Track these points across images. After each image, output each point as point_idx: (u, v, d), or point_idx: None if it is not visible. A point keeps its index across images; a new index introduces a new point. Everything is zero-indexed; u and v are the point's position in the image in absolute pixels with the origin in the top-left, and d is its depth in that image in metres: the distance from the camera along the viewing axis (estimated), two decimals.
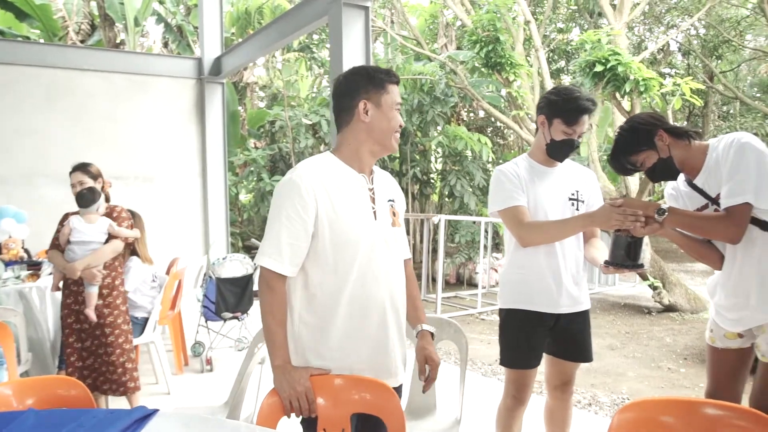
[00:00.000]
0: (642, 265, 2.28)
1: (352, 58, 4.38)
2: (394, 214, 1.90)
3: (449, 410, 2.65)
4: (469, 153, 11.00)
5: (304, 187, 1.72)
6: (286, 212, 1.72)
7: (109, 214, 3.48)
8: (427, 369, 1.90)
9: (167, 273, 4.92)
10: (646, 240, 2.23)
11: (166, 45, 12.92)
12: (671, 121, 2.40)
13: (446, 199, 11.66)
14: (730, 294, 2.20)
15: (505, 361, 2.53)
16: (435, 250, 8.84)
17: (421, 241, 10.91)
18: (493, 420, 2.62)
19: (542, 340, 2.48)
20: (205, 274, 5.30)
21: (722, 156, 2.09)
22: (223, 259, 5.25)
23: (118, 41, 11.89)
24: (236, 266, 5.23)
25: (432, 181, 12.04)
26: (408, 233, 11.76)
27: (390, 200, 1.91)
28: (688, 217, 2.16)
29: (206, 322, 5.15)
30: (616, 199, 2.20)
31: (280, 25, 5.85)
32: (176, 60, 8.05)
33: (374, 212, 1.83)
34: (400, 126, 1.85)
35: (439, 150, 11.14)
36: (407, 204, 11.41)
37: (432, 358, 1.90)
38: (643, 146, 2.22)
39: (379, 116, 1.81)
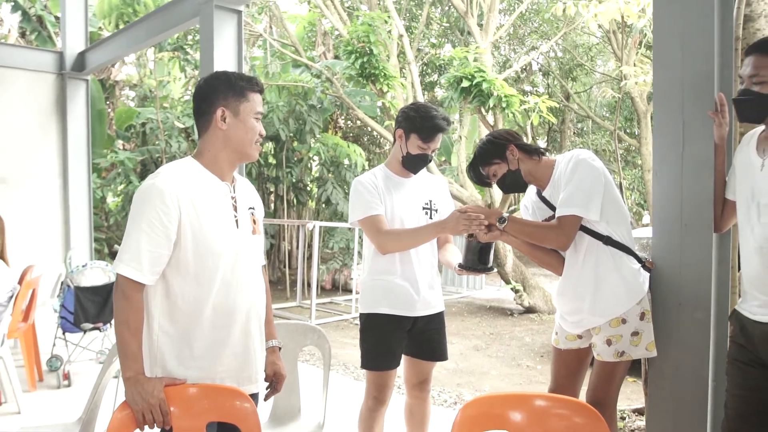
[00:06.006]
0: (492, 268, 2.49)
1: (224, 62, 4.31)
2: (254, 222, 1.92)
3: (314, 415, 2.69)
4: (346, 161, 11.15)
5: (168, 193, 1.69)
6: (148, 219, 1.68)
7: None
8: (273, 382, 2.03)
9: (20, 282, 4.56)
10: (508, 247, 2.44)
11: (23, 35, 11.89)
12: (531, 136, 2.65)
13: (322, 206, 11.73)
14: (570, 298, 2.41)
15: (365, 363, 2.61)
16: (310, 257, 8.88)
17: (297, 248, 10.89)
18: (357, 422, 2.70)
19: (401, 342, 2.59)
20: (62, 283, 4.97)
21: (562, 170, 2.32)
22: (84, 266, 4.95)
23: None
24: (98, 274, 4.95)
25: (308, 188, 12.05)
26: (283, 239, 11.68)
27: (250, 208, 1.93)
28: (525, 226, 2.36)
29: (64, 334, 4.83)
30: (464, 206, 2.39)
31: (149, 23, 5.62)
32: (34, 52, 7.38)
33: (236, 221, 1.84)
34: (261, 135, 1.86)
35: (316, 158, 11.18)
36: (284, 211, 11.36)
37: (280, 373, 2.03)
38: (495, 158, 2.43)
39: (236, 125, 1.80)
